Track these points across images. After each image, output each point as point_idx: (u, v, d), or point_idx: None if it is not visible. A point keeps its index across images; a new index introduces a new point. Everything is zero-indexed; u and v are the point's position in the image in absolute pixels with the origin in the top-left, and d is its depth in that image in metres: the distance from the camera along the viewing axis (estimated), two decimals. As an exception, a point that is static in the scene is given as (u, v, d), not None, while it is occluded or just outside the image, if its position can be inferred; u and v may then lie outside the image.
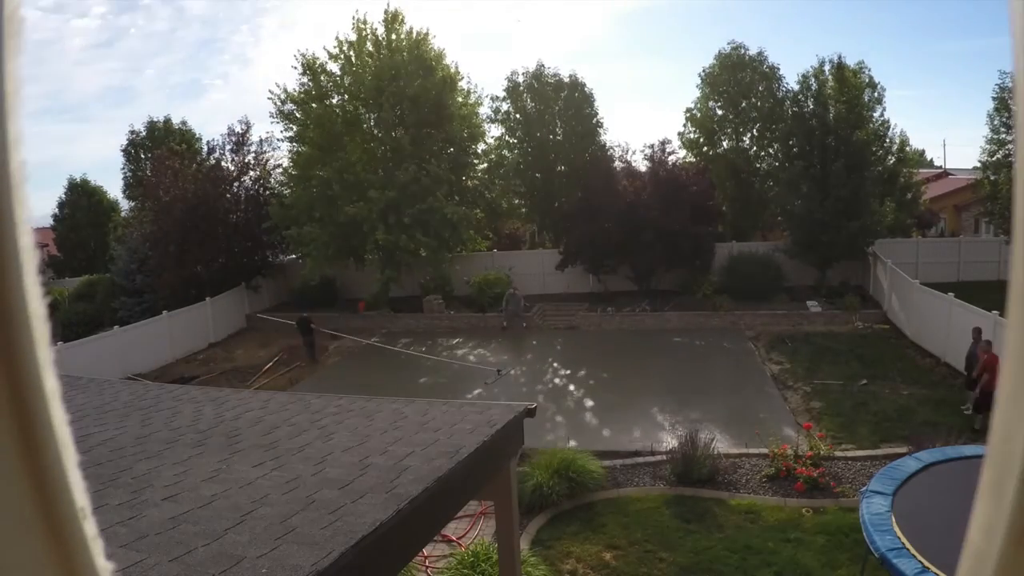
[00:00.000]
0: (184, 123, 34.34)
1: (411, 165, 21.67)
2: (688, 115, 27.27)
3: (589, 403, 14.73)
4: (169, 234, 22.23)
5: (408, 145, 21.93)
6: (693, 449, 10.09)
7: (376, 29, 23.13)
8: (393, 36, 23.05)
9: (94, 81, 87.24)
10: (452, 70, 23.89)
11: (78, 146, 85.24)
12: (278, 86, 24.93)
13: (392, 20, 23.09)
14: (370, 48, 23.02)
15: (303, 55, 23.17)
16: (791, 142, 21.91)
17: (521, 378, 16.95)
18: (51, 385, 0.42)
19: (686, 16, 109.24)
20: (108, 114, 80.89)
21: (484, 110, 25.89)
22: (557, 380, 16.73)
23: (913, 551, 5.37)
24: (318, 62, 23.18)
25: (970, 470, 6.18)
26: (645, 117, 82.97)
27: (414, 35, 23.24)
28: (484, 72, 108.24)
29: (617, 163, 23.94)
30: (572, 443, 11.35)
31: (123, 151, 33.87)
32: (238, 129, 25.08)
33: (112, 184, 44.20)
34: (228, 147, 25.13)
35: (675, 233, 21.00)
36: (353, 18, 23.05)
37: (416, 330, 22.06)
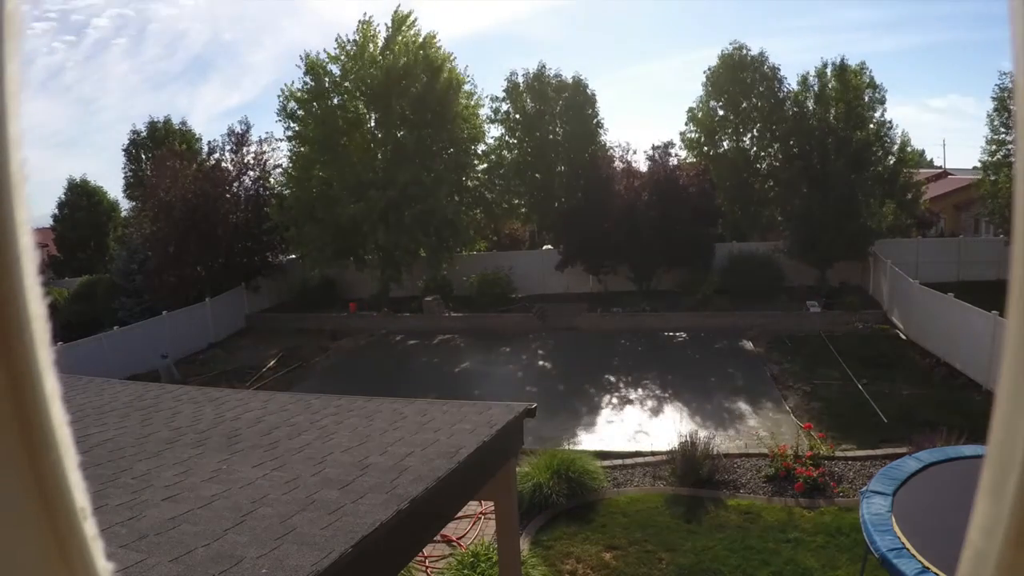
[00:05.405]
0: (184, 123, 34.48)
1: (413, 165, 21.66)
2: (690, 114, 27.26)
3: (589, 403, 14.72)
4: (168, 234, 22.22)
5: (412, 145, 21.90)
6: (693, 449, 10.11)
7: (380, 31, 23.12)
8: (399, 37, 23.04)
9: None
10: (457, 72, 23.92)
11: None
12: (286, 85, 24.88)
13: (400, 22, 23.10)
14: (372, 49, 22.99)
15: (307, 55, 23.17)
16: (791, 142, 21.88)
17: (522, 378, 16.96)
18: (51, 385, 0.42)
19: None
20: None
21: (484, 111, 25.93)
22: (556, 380, 16.73)
23: (913, 551, 5.36)
24: (320, 62, 23.16)
25: (970, 470, 6.17)
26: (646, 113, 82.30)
27: (421, 37, 23.25)
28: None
29: (618, 163, 23.94)
30: (570, 443, 11.36)
31: (124, 151, 33.92)
32: (238, 129, 25.13)
33: (111, 184, 44.13)
34: (228, 147, 25.15)
35: (675, 233, 20.99)
36: (359, 21, 23.07)
37: (415, 330, 22.06)
